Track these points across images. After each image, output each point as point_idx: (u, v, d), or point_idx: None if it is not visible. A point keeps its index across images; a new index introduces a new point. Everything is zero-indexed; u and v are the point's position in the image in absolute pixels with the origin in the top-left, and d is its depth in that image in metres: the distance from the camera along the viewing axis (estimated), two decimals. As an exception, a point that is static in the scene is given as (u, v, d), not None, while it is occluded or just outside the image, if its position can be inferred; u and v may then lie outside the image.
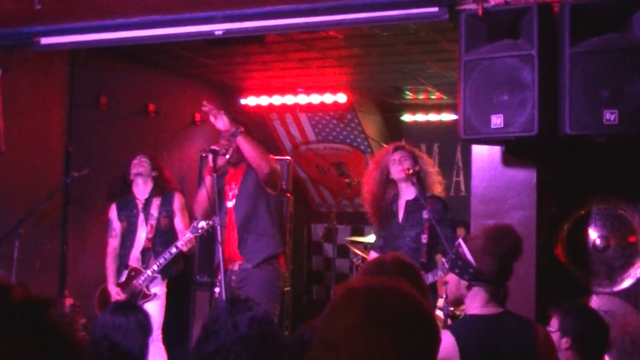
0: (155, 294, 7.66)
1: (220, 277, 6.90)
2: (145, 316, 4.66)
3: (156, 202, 7.83)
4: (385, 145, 8.08)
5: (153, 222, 7.78)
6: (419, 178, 7.19)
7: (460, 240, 4.26)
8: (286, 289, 9.51)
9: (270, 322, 3.77)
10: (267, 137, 11.23)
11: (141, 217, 7.82)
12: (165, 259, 7.51)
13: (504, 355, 4.06)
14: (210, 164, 6.96)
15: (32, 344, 1.52)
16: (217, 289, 7.09)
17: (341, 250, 10.39)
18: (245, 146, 7.04)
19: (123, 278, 7.72)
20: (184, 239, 7.45)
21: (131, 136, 9.35)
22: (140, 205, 7.85)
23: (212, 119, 7.08)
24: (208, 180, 7.03)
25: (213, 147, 7.02)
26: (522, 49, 5.57)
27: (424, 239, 7.04)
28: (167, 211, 7.82)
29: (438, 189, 7.31)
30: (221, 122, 7.05)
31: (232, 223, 7.25)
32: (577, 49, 5.46)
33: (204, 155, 7.61)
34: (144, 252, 7.73)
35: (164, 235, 7.79)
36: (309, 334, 3.62)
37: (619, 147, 6.12)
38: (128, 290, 7.62)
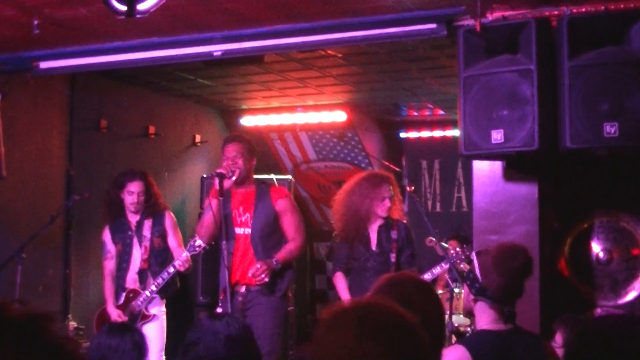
0: (154, 315, 7.62)
1: (223, 298, 6.91)
2: (141, 336, 4.64)
3: (148, 224, 7.77)
4: (385, 163, 8.10)
5: (147, 243, 7.72)
6: None
7: (474, 254, 4.29)
8: (290, 308, 9.49)
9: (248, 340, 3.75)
10: (268, 156, 11.24)
11: (135, 239, 7.76)
12: (163, 279, 7.46)
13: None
14: (217, 187, 6.90)
15: (32, 358, 1.52)
16: (219, 310, 7.09)
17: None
18: (291, 247, 7.30)
19: (121, 300, 7.67)
20: (182, 258, 7.37)
21: (132, 158, 9.35)
22: (133, 227, 7.79)
23: (257, 280, 7.08)
24: (214, 203, 6.95)
25: (219, 171, 6.95)
26: (520, 64, 5.58)
27: (392, 257, 7.29)
28: (159, 231, 7.76)
29: (401, 215, 7.58)
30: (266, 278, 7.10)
31: (242, 249, 7.21)
32: (575, 62, 5.47)
33: (210, 179, 7.54)
34: (141, 273, 7.67)
35: (159, 255, 7.74)
36: (308, 357, 3.62)
37: (620, 159, 6.11)
38: (127, 312, 7.58)
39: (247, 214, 7.22)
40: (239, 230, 7.21)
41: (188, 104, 10.49)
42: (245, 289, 7.12)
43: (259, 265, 7.01)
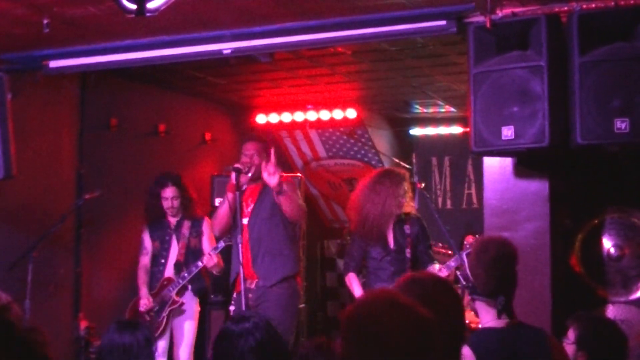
0: (183, 303, 8.04)
1: (236, 295, 6.94)
2: (149, 330, 4.69)
3: (187, 224, 8.27)
4: (395, 160, 8.09)
5: (184, 240, 8.19)
6: None
7: (464, 255, 4.34)
8: (301, 305, 9.49)
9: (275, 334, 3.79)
10: (278, 154, 11.23)
11: (174, 237, 8.22)
12: (195, 267, 7.96)
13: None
14: (233, 181, 7.04)
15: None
16: (232, 307, 7.13)
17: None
18: (286, 202, 7.12)
19: (157, 288, 8.14)
20: (211, 252, 7.87)
21: (142, 157, 9.36)
22: (172, 226, 8.25)
23: (266, 171, 7.08)
24: (231, 197, 7.13)
25: (236, 166, 7.11)
26: (531, 60, 5.57)
27: (408, 253, 7.28)
28: (197, 232, 8.25)
29: (412, 210, 7.58)
30: (273, 179, 7.05)
31: (248, 240, 7.25)
32: (586, 58, 5.46)
33: (228, 173, 7.71)
34: (177, 265, 8.14)
35: (194, 253, 8.16)
36: (313, 352, 3.63)
37: (631, 155, 6.10)
38: (159, 298, 8.03)
39: (252, 205, 7.32)
40: (244, 221, 7.29)
41: (198, 101, 10.48)
42: (255, 285, 7.16)
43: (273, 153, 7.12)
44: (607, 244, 6.52)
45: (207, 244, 8.18)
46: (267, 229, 7.27)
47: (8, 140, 7.22)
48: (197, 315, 8.24)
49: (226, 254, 7.70)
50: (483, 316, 4.25)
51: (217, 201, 9.30)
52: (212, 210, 8.58)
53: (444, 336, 3.07)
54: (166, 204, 8.18)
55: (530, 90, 5.53)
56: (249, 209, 7.34)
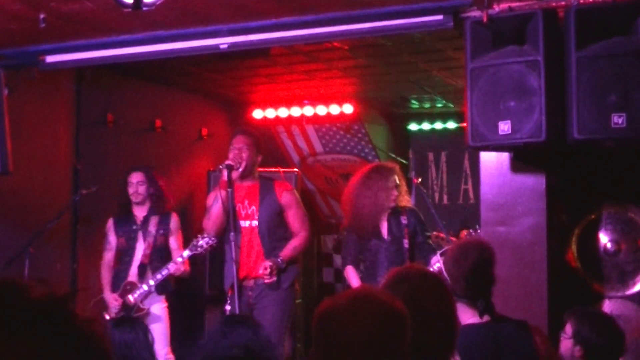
0: (149, 310, 7.67)
1: (232, 294, 6.94)
2: (146, 326, 4.70)
3: (154, 220, 7.87)
4: (392, 155, 8.11)
5: (151, 239, 7.80)
6: None
7: (439, 257, 4.35)
8: (297, 301, 9.49)
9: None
10: (274, 149, 11.23)
11: (140, 233, 7.85)
12: (162, 275, 7.54)
13: (505, 358, 4.08)
14: (225, 178, 6.98)
15: (59, 347, 1.43)
16: (227, 307, 7.10)
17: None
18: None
19: (119, 292, 7.74)
20: (177, 262, 7.51)
21: (139, 152, 9.35)
22: (139, 222, 7.89)
23: (266, 279, 7.17)
24: (224, 194, 7.04)
25: (228, 162, 7.04)
26: (528, 55, 5.57)
27: (406, 244, 7.31)
28: (164, 229, 7.86)
29: (409, 204, 7.64)
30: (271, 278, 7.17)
31: (249, 243, 7.23)
32: (583, 53, 5.46)
33: (219, 171, 7.55)
34: (141, 267, 7.74)
35: (160, 252, 7.81)
36: None
37: (628, 150, 6.11)
38: (123, 304, 7.63)
39: (253, 207, 7.27)
40: (244, 223, 7.27)
41: (195, 97, 10.48)
42: (254, 283, 7.16)
43: (267, 265, 7.05)
44: (604, 239, 6.52)
45: (174, 243, 7.86)
46: (273, 232, 7.27)
47: (4, 136, 7.21)
48: (166, 312, 7.80)
49: (220, 251, 7.66)
50: (463, 316, 4.26)
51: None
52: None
53: (435, 331, 3.08)
54: (131, 189, 7.85)
55: (527, 85, 5.53)
56: (249, 211, 7.29)
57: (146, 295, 7.63)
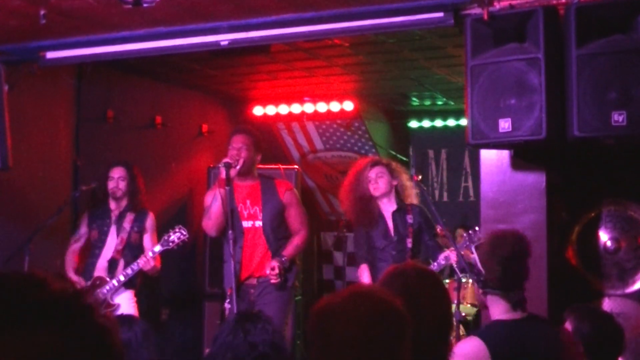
0: (119, 305, 7.59)
1: (231, 293, 6.93)
2: (145, 324, 4.65)
3: (130, 217, 7.80)
4: (392, 153, 8.13)
5: (124, 235, 7.74)
6: (396, 191, 7.56)
7: (473, 248, 4.33)
8: (297, 298, 9.50)
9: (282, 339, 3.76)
10: (275, 146, 11.24)
11: (113, 228, 7.79)
12: (133, 270, 7.51)
13: (533, 357, 4.08)
14: (223, 176, 6.91)
15: (78, 339, 1.44)
16: (227, 304, 7.08)
17: (351, 259, 10.32)
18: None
19: (87, 286, 7.66)
20: (147, 256, 7.47)
21: (139, 149, 9.35)
22: (114, 218, 7.83)
23: (273, 279, 7.15)
24: (222, 192, 6.98)
25: (226, 161, 6.98)
26: (528, 53, 5.56)
27: (409, 243, 7.37)
28: (139, 227, 7.79)
29: (415, 201, 7.67)
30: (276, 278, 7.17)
31: (253, 243, 7.23)
32: (583, 51, 5.45)
33: (217, 169, 7.51)
34: (112, 262, 7.68)
35: (133, 249, 7.75)
36: None
37: (628, 148, 6.10)
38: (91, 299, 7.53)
39: (256, 207, 7.24)
40: (247, 224, 7.23)
41: (195, 94, 10.48)
42: (257, 281, 7.16)
43: (274, 265, 7.06)
44: (604, 236, 6.51)
45: (149, 242, 7.78)
46: (276, 231, 7.27)
47: (4, 132, 7.20)
48: (135, 307, 7.69)
49: (219, 248, 7.64)
50: (494, 310, 4.26)
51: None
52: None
53: (430, 328, 3.08)
54: (111, 184, 7.75)
55: (528, 83, 5.52)
56: (252, 211, 7.28)
57: (116, 290, 7.59)
